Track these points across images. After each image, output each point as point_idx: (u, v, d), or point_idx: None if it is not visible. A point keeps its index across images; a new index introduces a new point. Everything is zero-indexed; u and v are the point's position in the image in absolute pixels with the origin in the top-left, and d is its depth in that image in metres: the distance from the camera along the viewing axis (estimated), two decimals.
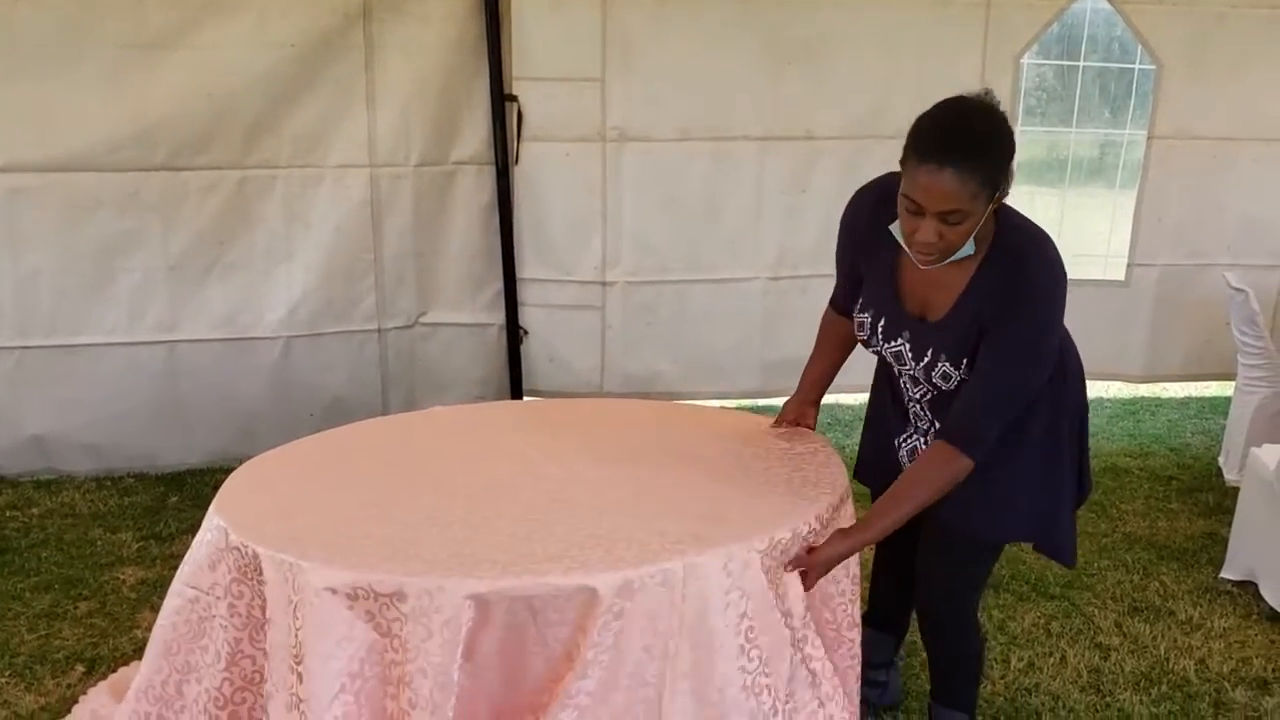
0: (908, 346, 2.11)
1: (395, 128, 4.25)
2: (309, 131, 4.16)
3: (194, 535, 2.07)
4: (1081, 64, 5.38)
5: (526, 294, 4.59)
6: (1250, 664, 2.96)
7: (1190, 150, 4.90)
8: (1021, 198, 5.61)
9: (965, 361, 2.04)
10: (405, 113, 4.25)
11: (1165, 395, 5.54)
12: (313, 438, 2.53)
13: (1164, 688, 2.83)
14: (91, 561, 3.50)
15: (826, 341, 2.50)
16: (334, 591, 1.76)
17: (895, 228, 1.99)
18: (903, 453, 2.30)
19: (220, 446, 4.24)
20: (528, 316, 4.62)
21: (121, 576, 3.40)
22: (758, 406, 4.60)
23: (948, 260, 1.96)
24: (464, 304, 4.55)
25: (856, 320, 2.21)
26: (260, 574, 1.86)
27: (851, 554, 2.08)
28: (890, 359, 2.17)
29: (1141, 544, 3.74)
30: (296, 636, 1.77)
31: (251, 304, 4.26)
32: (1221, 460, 4.37)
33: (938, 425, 2.17)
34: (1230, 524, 3.50)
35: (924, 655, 2.90)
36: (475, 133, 4.36)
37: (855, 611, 2.25)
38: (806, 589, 1.99)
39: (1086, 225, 5.95)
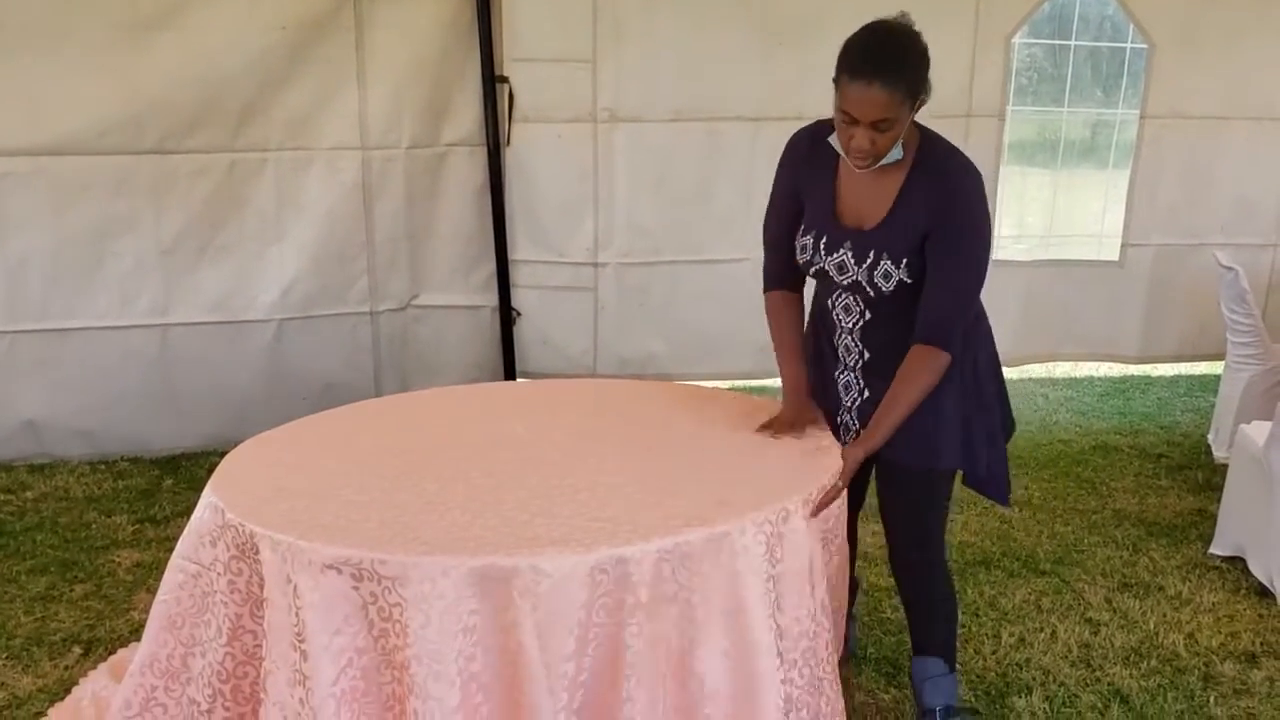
0: (850, 255, 2.29)
1: (387, 110, 4.24)
2: (300, 114, 4.15)
3: (189, 518, 2.08)
4: (1073, 43, 5.38)
5: (519, 276, 4.60)
6: (1239, 638, 2.99)
7: (1183, 129, 4.91)
8: (1014, 178, 5.65)
9: (904, 260, 2.24)
10: (397, 95, 4.24)
11: (1155, 374, 5.57)
12: (309, 419, 2.53)
13: (1153, 662, 2.86)
14: (87, 545, 3.51)
15: (779, 329, 2.49)
16: (339, 570, 1.77)
17: (834, 139, 2.23)
18: (839, 387, 2.46)
19: (213, 430, 4.24)
20: (520, 298, 4.62)
21: (117, 559, 3.41)
22: (751, 387, 4.62)
23: (879, 164, 2.20)
24: (456, 286, 4.55)
25: (799, 244, 2.38)
26: (257, 553, 1.87)
27: (865, 457, 2.24)
28: (833, 271, 2.32)
29: (1131, 520, 3.77)
30: (298, 615, 1.77)
31: (244, 287, 4.25)
32: (1211, 437, 4.40)
33: (866, 356, 2.38)
34: (1219, 500, 3.53)
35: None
36: (467, 114, 4.35)
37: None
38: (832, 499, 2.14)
39: (1079, 206, 5.96)
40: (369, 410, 2.66)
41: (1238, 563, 3.38)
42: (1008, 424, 2.54)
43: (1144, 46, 4.84)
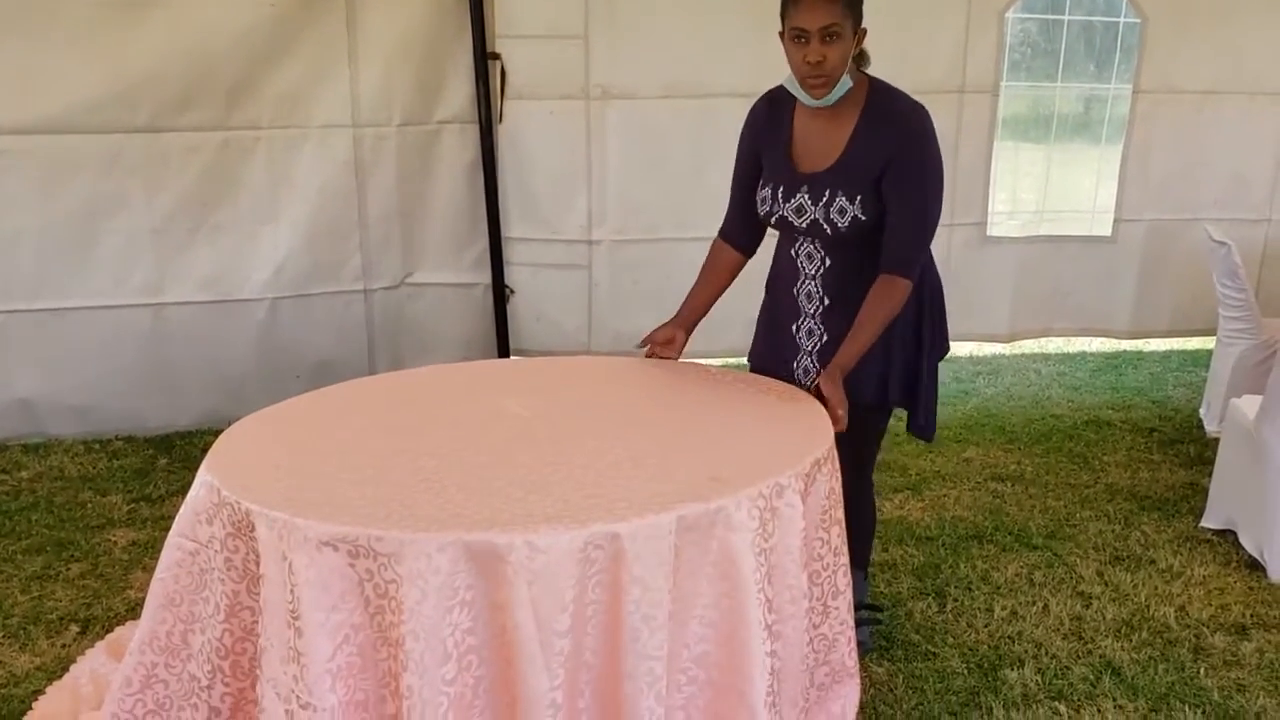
0: (807, 197, 2.45)
1: (378, 87, 4.22)
2: (291, 92, 4.13)
3: (184, 497, 2.08)
4: (1066, 18, 5.36)
5: (512, 253, 4.59)
6: (1229, 610, 3.01)
7: (1175, 104, 4.91)
8: (1007, 154, 5.64)
9: (859, 197, 2.40)
10: (388, 72, 4.22)
11: (1148, 349, 5.59)
12: (304, 397, 2.52)
13: (1144, 634, 2.89)
14: (82, 524, 3.52)
15: (711, 269, 2.73)
16: (335, 548, 1.77)
17: (789, 83, 2.42)
18: (801, 335, 2.61)
19: (208, 408, 4.24)
20: (514, 276, 4.62)
21: (113, 538, 3.41)
22: (744, 364, 4.62)
23: (835, 95, 2.36)
24: (450, 264, 4.55)
25: (759, 197, 2.54)
26: (253, 530, 1.87)
27: (845, 375, 2.37)
28: (792, 216, 2.48)
29: (1123, 495, 3.80)
30: (293, 592, 1.78)
31: (237, 265, 4.25)
32: (1203, 412, 4.42)
33: (826, 302, 2.54)
34: (1211, 474, 3.55)
35: (907, 606, 2.96)
36: (459, 91, 4.34)
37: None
38: (841, 426, 2.28)
39: (1072, 181, 5.96)
40: (363, 388, 2.66)
41: (1229, 536, 3.40)
42: (946, 342, 2.70)
43: (1137, 21, 4.83)
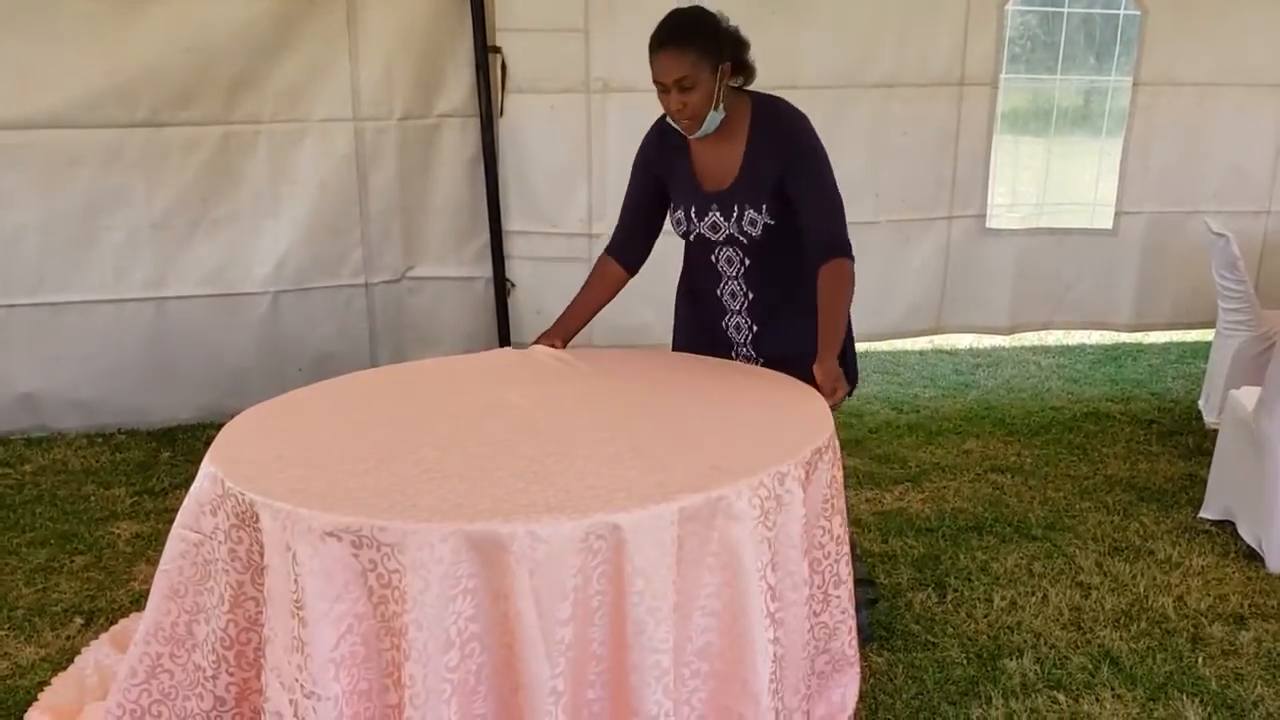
0: (719, 213, 2.64)
1: (378, 81, 4.23)
2: (292, 86, 4.14)
3: (187, 490, 2.09)
4: (1066, 10, 5.36)
5: (513, 247, 4.60)
6: (1227, 600, 3.03)
7: (1175, 96, 4.91)
8: (1007, 147, 5.65)
9: (764, 206, 2.59)
10: (388, 66, 4.23)
11: (1147, 341, 5.60)
12: (306, 389, 2.54)
13: (1143, 624, 2.90)
14: (86, 517, 3.53)
15: (598, 284, 2.86)
16: (338, 538, 1.78)
17: (669, 117, 2.59)
18: (729, 330, 2.78)
19: (210, 402, 4.26)
20: (515, 269, 4.63)
21: (116, 531, 3.43)
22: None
23: (708, 127, 2.55)
24: (450, 257, 4.56)
25: (673, 219, 2.73)
26: (257, 521, 1.88)
27: (834, 356, 2.52)
28: (708, 232, 2.67)
29: (1122, 486, 3.81)
30: (297, 583, 1.79)
31: (238, 260, 4.26)
32: (1202, 403, 4.43)
33: (751, 297, 2.72)
34: (1209, 465, 3.56)
35: (907, 597, 2.97)
36: (459, 85, 4.35)
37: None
38: (836, 405, 2.39)
39: (1073, 174, 5.97)
40: (365, 380, 2.67)
41: (1227, 526, 3.42)
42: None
43: (1136, 13, 4.83)
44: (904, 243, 5.00)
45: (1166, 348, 5.55)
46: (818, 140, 2.61)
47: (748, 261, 2.69)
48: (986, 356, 5.43)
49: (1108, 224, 5.14)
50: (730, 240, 2.66)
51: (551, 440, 2.16)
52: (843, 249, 2.59)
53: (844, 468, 2.35)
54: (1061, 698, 2.58)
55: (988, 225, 5.09)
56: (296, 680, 1.81)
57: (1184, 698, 2.57)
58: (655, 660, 1.84)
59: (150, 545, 3.29)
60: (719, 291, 2.75)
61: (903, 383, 5.02)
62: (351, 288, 4.43)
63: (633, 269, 2.86)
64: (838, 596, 2.25)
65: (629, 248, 2.84)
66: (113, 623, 2.87)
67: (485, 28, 4.26)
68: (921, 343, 5.47)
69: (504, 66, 4.34)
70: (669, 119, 2.61)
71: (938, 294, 5.12)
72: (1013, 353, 5.49)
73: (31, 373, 4.15)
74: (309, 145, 4.23)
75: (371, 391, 2.53)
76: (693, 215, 2.68)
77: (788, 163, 2.57)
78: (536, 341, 2.79)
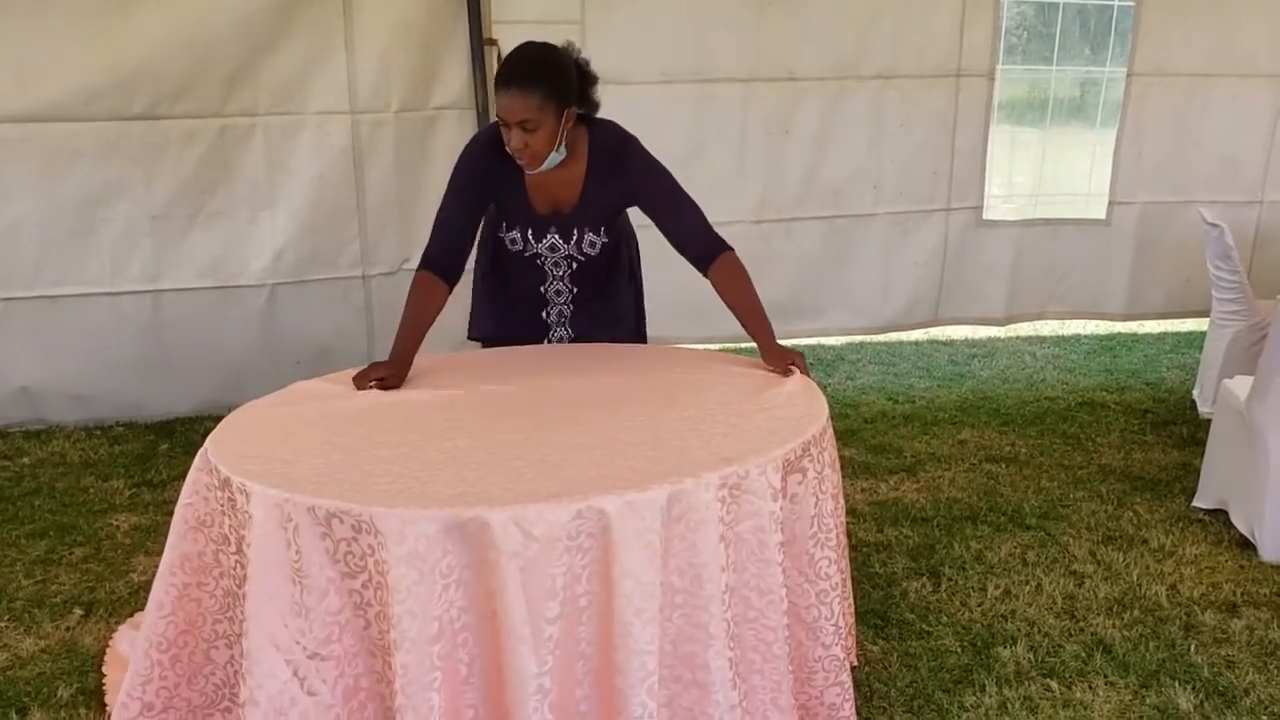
0: (558, 235, 2.72)
1: (375, 73, 4.23)
2: (288, 78, 4.14)
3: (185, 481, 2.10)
4: (1061, 1, 5.37)
5: None
6: (1220, 588, 3.05)
7: (1169, 87, 4.93)
8: (1003, 137, 5.67)
9: (603, 228, 2.71)
10: (385, 58, 4.23)
11: (1142, 331, 5.62)
12: (304, 383, 2.56)
13: (1136, 612, 2.92)
14: (85, 509, 3.55)
15: (426, 308, 2.68)
16: (332, 529, 1.80)
17: (509, 150, 2.53)
18: (551, 318, 2.90)
19: (208, 395, 4.27)
20: None
21: (115, 523, 3.44)
22: (740, 349, 4.65)
23: (548, 166, 2.55)
24: None
25: (507, 239, 2.75)
26: (249, 502, 1.89)
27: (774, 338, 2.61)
28: (545, 252, 2.75)
29: (1116, 475, 3.83)
30: (295, 567, 1.81)
31: (236, 252, 4.26)
32: (1196, 393, 4.45)
33: (575, 290, 2.84)
34: (1203, 455, 3.58)
35: (902, 586, 2.99)
36: (455, 77, 4.35)
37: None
38: (805, 370, 2.51)
39: (1067, 164, 5.98)
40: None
41: (1220, 515, 3.44)
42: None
43: (1130, 3, 4.84)
44: (902, 235, 5.02)
45: (1161, 337, 5.57)
46: (653, 156, 2.68)
47: (574, 265, 2.80)
48: (982, 347, 5.45)
49: (1101, 214, 5.16)
50: (568, 258, 2.78)
51: (549, 432, 2.17)
52: (723, 243, 2.64)
53: (840, 458, 2.37)
54: (1055, 685, 2.60)
55: (984, 217, 5.10)
56: (298, 643, 1.82)
57: (1176, 685, 2.59)
58: (641, 661, 1.85)
59: (149, 537, 3.30)
60: (544, 288, 2.85)
61: (898, 373, 5.04)
62: (349, 280, 4.44)
63: (454, 283, 2.71)
64: (824, 592, 2.23)
65: (451, 262, 2.68)
66: (112, 614, 2.88)
67: (481, 20, 4.27)
68: (917, 333, 5.49)
69: (500, 59, 4.34)
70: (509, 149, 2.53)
71: (935, 287, 5.14)
72: (1008, 343, 5.51)
73: (29, 365, 4.16)
74: (305, 137, 4.23)
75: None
76: (529, 237, 2.73)
77: (632, 189, 2.66)
78: (371, 375, 2.54)
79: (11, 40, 3.84)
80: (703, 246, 2.64)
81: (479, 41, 4.28)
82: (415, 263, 4.47)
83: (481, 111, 4.35)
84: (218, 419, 2.29)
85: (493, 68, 4.33)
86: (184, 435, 4.16)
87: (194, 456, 2.12)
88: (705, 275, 2.64)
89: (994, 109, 4.92)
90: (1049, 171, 5.66)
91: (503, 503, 1.82)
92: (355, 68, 4.20)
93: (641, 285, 3.07)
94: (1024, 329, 5.57)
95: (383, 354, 4.70)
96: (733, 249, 2.64)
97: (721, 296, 2.64)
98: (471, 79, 4.33)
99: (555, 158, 2.56)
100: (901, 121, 4.83)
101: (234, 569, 1.99)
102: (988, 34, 4.74)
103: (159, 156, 4.09)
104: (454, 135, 4.41)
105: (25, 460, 3.95)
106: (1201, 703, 2.53)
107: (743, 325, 2.63)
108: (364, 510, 1.79)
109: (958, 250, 5.11)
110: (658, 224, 2.66)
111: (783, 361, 2.54)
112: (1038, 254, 5.18)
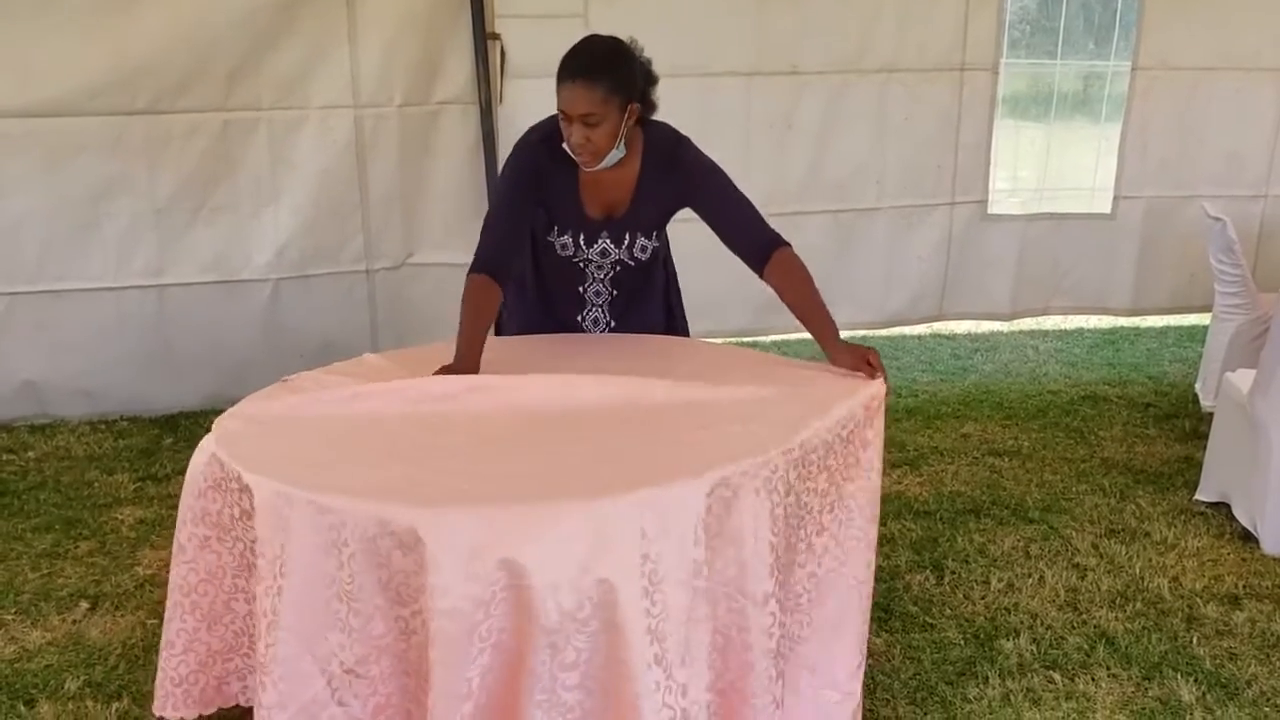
0: (609, 240, 2.64)
1: (378, 68, 4.23)
2: (291, 73, 4.14)
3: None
4: None
5: None
6: (1222, 581, 3.05)
7: (1173, 81, 4.92)
8: (1008, 132, 5.66)
9: (654, 233, 2.66)
10: (388, 52, 4.23)
11: (1145, 325, 5.61)
12: (310, 373, 2.55)
13: (1138, 605, 2.93)
14: (90, 502, 3.56)
15: (485, 312, 2.56)
16: (339, 526, 1.80)
17: (567, 145, 2.46)
18: (586, 323, 2.80)
19: (212, 389, 4.27)
20: None
21: (120, 516, 3.45)
22: (748, 343, 4.65)
23: (607, 164, 2.46)
24: (451, 244, 4.55)
25: (558, 244, 2.66)
26: (253, 498, 1.89)
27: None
28: (596, 258, 2.67)
29: (1119, 469, 3.83)
30: (346, 589, 1.81)
31: (239, 247, 4.27)
32: (1198, 387, 4.45)
33: (614, 295, 2.75)
34: (1205, 448, 3.59)
35: (905, 579, 2.99)
36: (458, 72, 4.35)
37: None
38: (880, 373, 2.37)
39: (1072, 159, 5.97)
40: (369, 364, 2.67)
41: (1222, 508, 3.44)
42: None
43: None
44: (906, 229, 5.02)
45: (1164, 331, 5.57)
46: (707, 157, 2.60)
47: (618, 268, 2.71)
48: (985, 341, 5.45)
49: (1106, 208, 5.15)
50: (618, 262, 2.69)
51: (551, 431, 2.13)
52: (780, 239, 2.55)
53: None
54: (1057, 677, 2.61)
55: (989, 211, 5.10)
56: (336, 655, 1.82)
57: (1179, 677, 2.60)
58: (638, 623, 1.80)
59: (154, 530, 3.32)
60: (582, 289, 2.75)
61: (902, 367, 5.04)
62: (353, 274, 4.44)
63: (507, 284, 2.61)
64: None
65: (506, 262, 2.58)
66: (118, 607, 2.90)
67: (484, 14, 4.27)
68: (920, 327, 5.49)
69: (503, 53, 4.34)
70: (565, 146, 2.46)
71: (939, 282, 5.14)
72: (1011, 337, 5.51)
73: (34, 360, 4.16)
74: (309, 132, 4.23)
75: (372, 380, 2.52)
76: (580, 241, 2.63)
77: (688, 191, 2.57)
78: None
79: (15, 36, 3.84)
80: (761, 246, 2.53)
81: (482, 35, 4.28)
82: (419, 258, 4.56)
83: (484, 106, 4.35)
84: (221, 413, 2.26)
85: (496, 62, 4.34)
86: (188, 429, 4.17)
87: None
88: (761, 276, 2.54)
89: (998, 103, 4.92)
90: (1053, 166, 5.65)
91: (509, 508, 1.80)
92: (358, 62, 4.20)
93: (675, 278, 2.97)
94: (1026, 323, 5.57)
95: (387, 349, 4.71)
96: (787, 244, 2.53)
97: (781, 297, 2.53)
98: (474, 73, 4.32)
99: (615, 155, 2.46)
100: (905, 115, 4.83)
101: (250, 541, 1.97)
102: (991, 27, 4.74)
103: (162, 151, 4.09)
104: (457, 130, 4.42)
105: (30, 454, 3.96)
106: (1204, 694, 2.54)
107: (804, 325, 2.50)
108: (396, 511, 1.78)
109: (962, 245, 5.10)
110: (712, 225, 2.58)
111: (857, 362, 2.39)
112: (1042, 248, 5.18)
